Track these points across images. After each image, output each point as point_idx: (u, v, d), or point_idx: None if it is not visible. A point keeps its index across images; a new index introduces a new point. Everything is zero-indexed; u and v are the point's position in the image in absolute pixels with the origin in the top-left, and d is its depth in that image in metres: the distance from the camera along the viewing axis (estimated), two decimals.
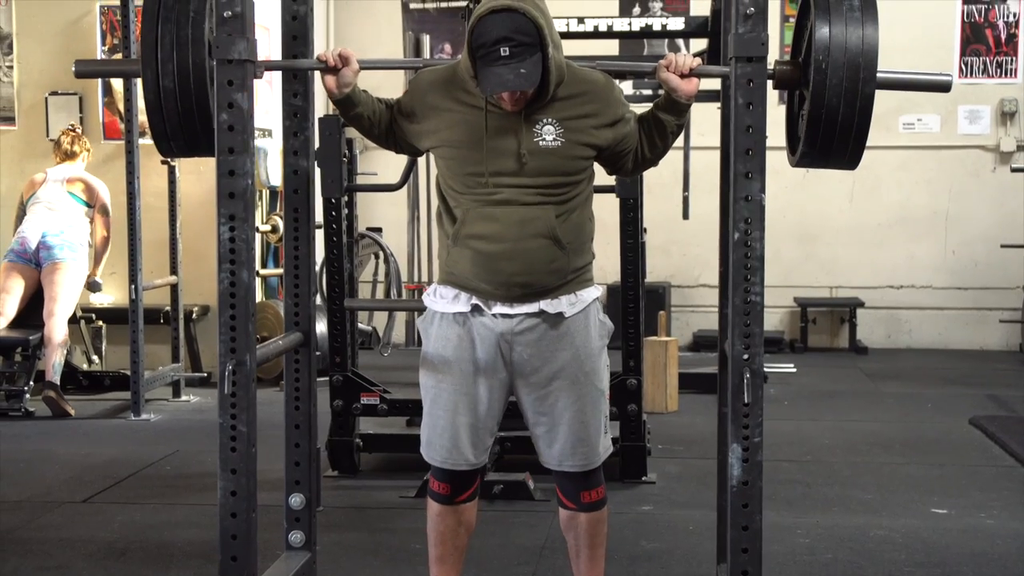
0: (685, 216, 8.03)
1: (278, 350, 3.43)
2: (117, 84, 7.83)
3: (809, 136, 3.11)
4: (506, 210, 3.09)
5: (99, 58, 8.01)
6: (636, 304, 5.33)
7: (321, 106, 9.21)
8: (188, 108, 3.12)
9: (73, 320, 7.36)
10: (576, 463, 3.21)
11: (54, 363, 6.90)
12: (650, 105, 3.29)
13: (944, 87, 3.26)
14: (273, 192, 8.43)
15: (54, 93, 8.18)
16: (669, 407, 7.00)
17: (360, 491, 5.22)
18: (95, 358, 7.90)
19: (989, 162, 9.67)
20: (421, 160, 8.37)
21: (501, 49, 2.97)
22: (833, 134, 3.07)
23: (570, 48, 7.53)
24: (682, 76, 3.12)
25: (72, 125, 7.61)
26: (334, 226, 5.39)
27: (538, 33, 3.01)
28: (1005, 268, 9.47)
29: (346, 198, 5.53)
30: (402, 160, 6.09)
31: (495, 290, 3.13)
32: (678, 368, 7.17)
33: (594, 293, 3.24)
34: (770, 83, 3.09)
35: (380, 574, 4.08)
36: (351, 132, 5.37)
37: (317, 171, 5.08)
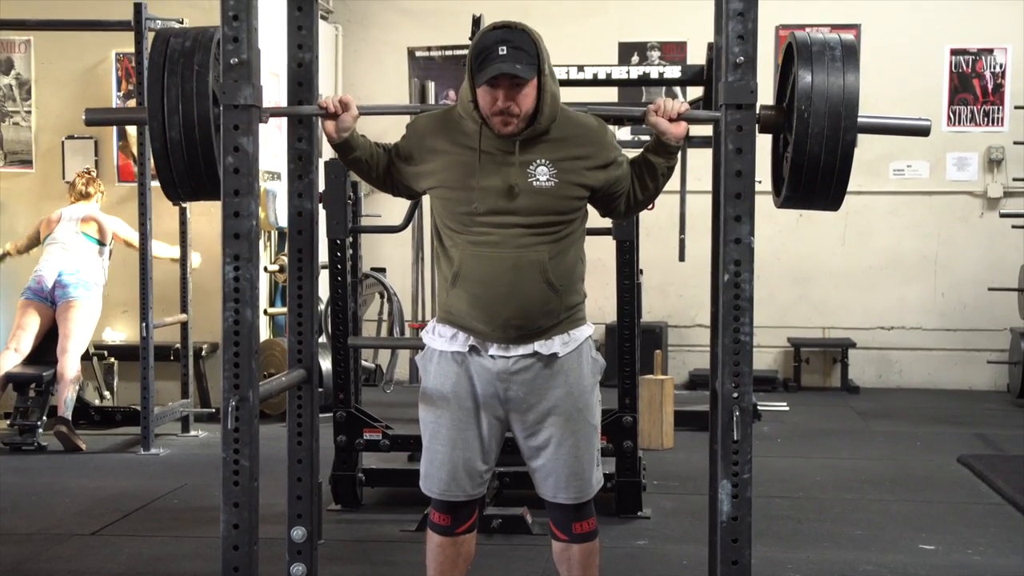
0: (681, 258, 8.15)
1: (281, 387, 3.50)
2: (131, 129, 7.99)
3: (792, 179, 3.21)
4: (501, 253, 3.18)
5: (114, 104, 8.15)
6: (632, 343, 5.43)
7: (328, 150, 9.39)
8: (194, 157, 3.23)
9: (86, 357, 7.45)
10: (569, 496, 3.30)
11: (66, 399, 7.01)
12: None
13: (923, 131, 3.36)
14: (282, 233, 8.55)
15: (70, 137, 8.35)
16: (665, 444, 7.10)
17: (362, 525, 5.30)
18: (107, 394, 8.01)
19: (977, 207, 9.83)
20: (424, 202, 8.53)
21: (500, 48, 3.09)
22: (816, 177, 3.17)
23: (570, 95, 7.70)
24: (670, 120, 3.23)
25: (87, 168, 7.79)
26: (338, 266, 5.51)
27: (536, 48, 3.14)
28: (993, 310, 9.60)
29: (350, 239, 5.65)
30: (406, 203, 6.25)
31: (492, 331, 3.23)
32: (674, 406, 7.25)
33: (587, 331, 3.34)
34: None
35: None
36: (355, 175, 5.53)
37: (323, 213, 5.27)
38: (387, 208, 9.02)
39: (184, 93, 3.20)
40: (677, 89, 9.60)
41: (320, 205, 5.61)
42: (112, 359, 8.02)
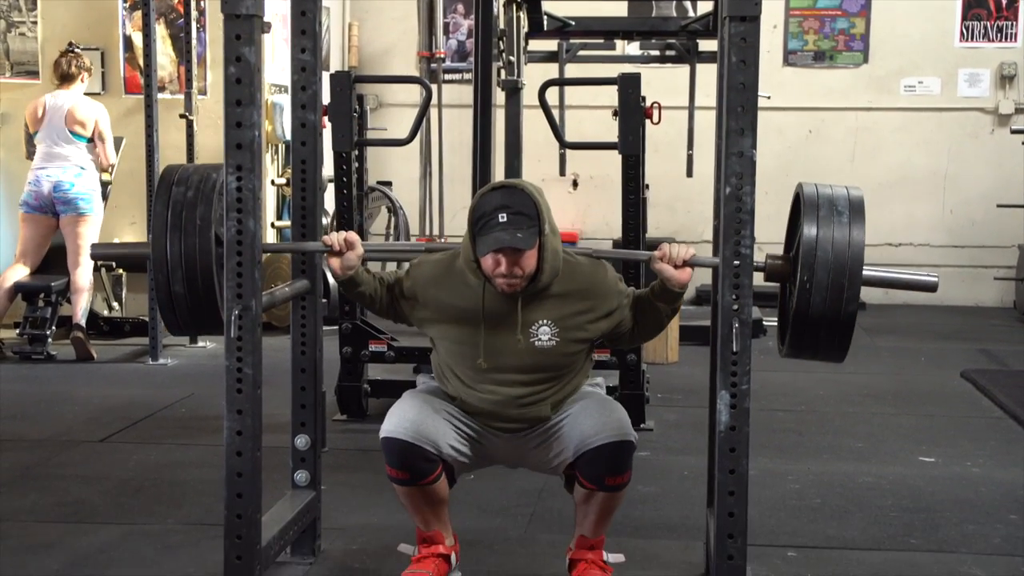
0: (689, 174, 8.17)
1: (284, 296, 3.52)
2: (137, 40, 7.96)
3: (795, 330, 3.21)
4: (502, 407, 3.29)
5: (119, 16, 8.13)
6: (636, 270, 5.42)
7: (334, 64, 9.34)
8: (196, 306, 3.29)
9: (94, 268, 7.49)
10: (610, 433, 3.22)
11: (82, 307, 7.07)
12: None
13: (930, 287, 3.34)
14: (288, 146, 8.55)
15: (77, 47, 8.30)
16: (670, 358, 7.15)
17: (367, 435, 5.29)
18: (115, 304, 8.07)
19: (988, 124, 9.78)
20: (432, 116, 8.50)
21: (499, 215, 3.13)
22: (818, 331, 3.17)
23: (579, 9, 7.64)
24: (676, 267, 3.23)
25: (71, 43, 7.56)
26: (344, 179, 5.52)
27: (536, 209, 3.16)
28: (1001, 227, 9.61)
29: (356, 152, 5.64)
30: (412, 117, 6.23)
31: (495, 423, 3.36)
32: (679, 320, 7.29)
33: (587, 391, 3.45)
34: (760, 275, 3.21)
35: (384, 512, 4.18)
36: (362, 88, 5.51)
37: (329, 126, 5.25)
38: (394, 121, 9.02)
39: (187, 248, 3.25)
40: (688, 3, 9.52)
41: (325, 117, 5.62)
42: (120, 270, 8.06)
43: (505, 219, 3.12)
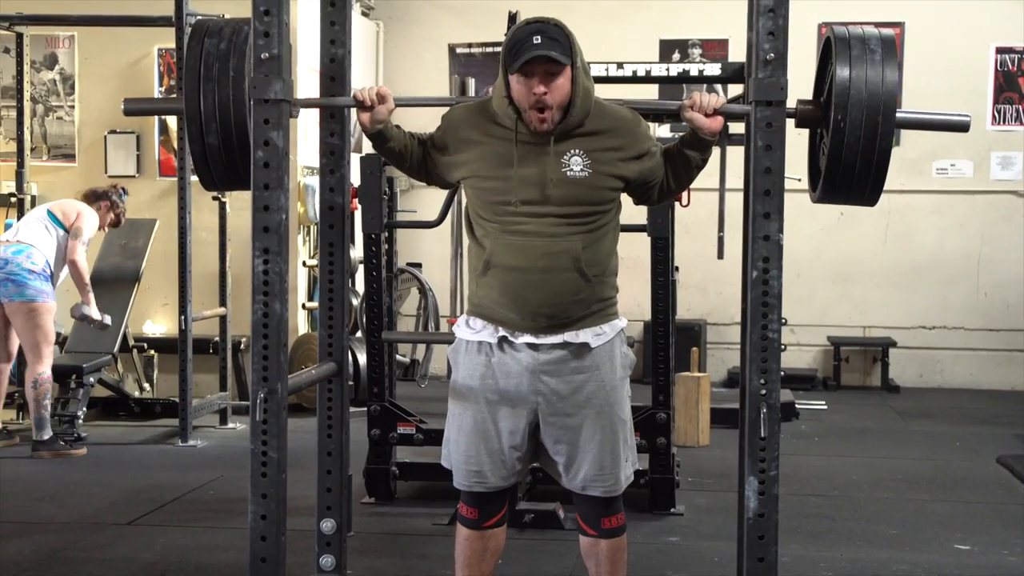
0: (720, 256, 8.13)
1: (311, 379, 3.55)
2: (172, 124, 8.07)
3: (829, 173, 3.20)
4: (533, 242, 3.20)
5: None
6: (666, 340, 5.43)
7: (366, 146, 9.42)
8: (231, 159, 3.29)
9: (126, 348, 7.50)
10: (599, 489, 3.29)
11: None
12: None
13: (962, 127, 3.32)
14: None
15: (113, 132, 8.47)
16: (701, 441, 7.10)
17: (395, 518, 5.33)
18: (146, 386, 8.08)
19: (1021, 207, 9.72)
20: (462, 197, 8.54)
21: (534, 38, 3.13)
22: (853, 172, 3.15)
23: (610, 92, 7.72)
24: (706, 115, 3.24)
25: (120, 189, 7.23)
26: (373, 261, 5.54)
27: (569, 42, 3.17)
28: None
29: (386, 234, 5.66)
30: (442, 198, 6.27)
31: (521, 320, 3.24)
32: (711, 403, 7.25)
33: (619, 325, 3.35)
34: (792, 121, 3.18)
35: None
36: (391, 171, 5.55)
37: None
38: (424, 203, 9.06)
39: (220, 100, 3.25)
40: (718, 86, 9.57)
41: (355, 200, 5.66)
42: (152, 351, 8.11)
43: (539, 41, 3.12)
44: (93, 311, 6.84)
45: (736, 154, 7.17)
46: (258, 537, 3.10)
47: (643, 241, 5.54)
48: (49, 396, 6.66)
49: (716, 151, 8.33)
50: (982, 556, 4.82)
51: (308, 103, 3.49)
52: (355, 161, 5.14)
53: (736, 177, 8.04)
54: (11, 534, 5.01)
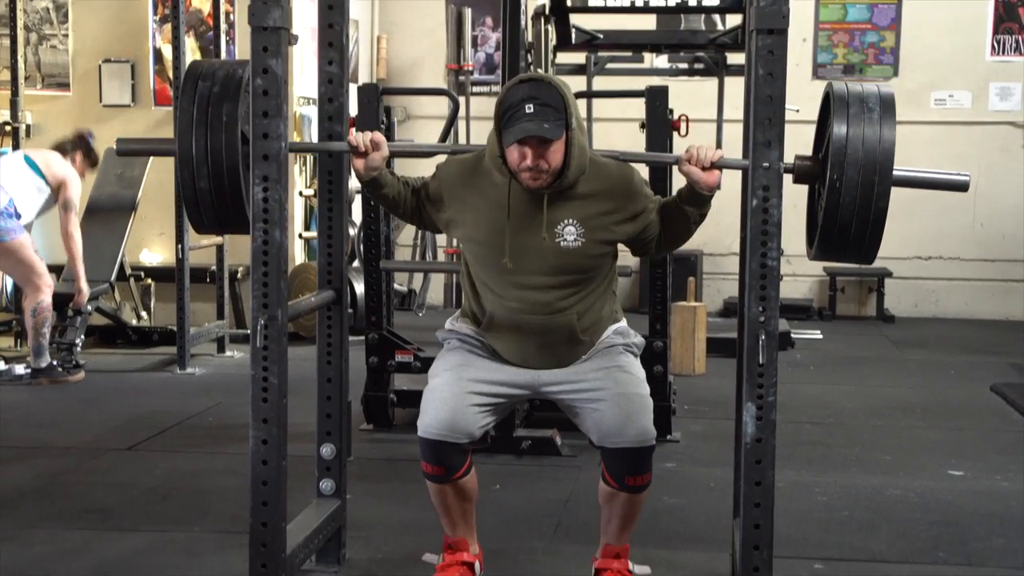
0: (718, 186, 8.13)
1: (310, 306, 3.55)
2: (167, 52, 8.02)
3: (824, 232, 3.17)
4: (531, 320, 3.24)
5: (150, 28, 8.19)
6: (663, 270, 5.42)
7: (362, 76, 9.38)
8: (223, 205, 3.30)
9: (123, 277, 7.49)
10: (629, 438, 3.19)
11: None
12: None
13: (961, 187, 3.27)
14: (316, 158, 8.60)
15: (107, 60, 8.39)
16: (697, 370, 7.14)
17: (393, 444, 5.37)
18: (144, 314, 8.12)
19: (1019, 138, 9.73)
20: (460, 128, 8.52)
21: (526, 107, 3.08)
22: (848, 231, 3.13)
23: (607, 22, 7.63)
24: (703, 169, 3.22)
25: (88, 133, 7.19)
26: None
27: (563, 102, 3.12)
28: None
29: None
30: (439, 129, 6.25)
31: (520, 362, 3.32)
32: (707, 332, 7.29)
33: (618, 328, 3.41)
34: (789, 177, 3.16)
35: (409, 520, 4.19)
36: (390, 100, 5.54)
37: None
38: (422, 134, 9.05)
39: (212, 144, 3.25)
40: (716, 17, 9.51)
41: (353, 129, 5.64)
42: (149, 280, 8.13)
43: (532, 110, 3.07)
44: (82, 284, 6.92)
45: (733, 84, 7.17)
46: (259, 461, 3.11)
47: (642, 171, 5.53)
48: (48, 324, 6.69)
49: (714, 81, 8.34)
50: (975, 481, 4.86)
51: (302, 148, 3.43)
52: (352, 91, 5.12)
53: (733, 108, 8.05)
54: (11, 459, 5.05)
